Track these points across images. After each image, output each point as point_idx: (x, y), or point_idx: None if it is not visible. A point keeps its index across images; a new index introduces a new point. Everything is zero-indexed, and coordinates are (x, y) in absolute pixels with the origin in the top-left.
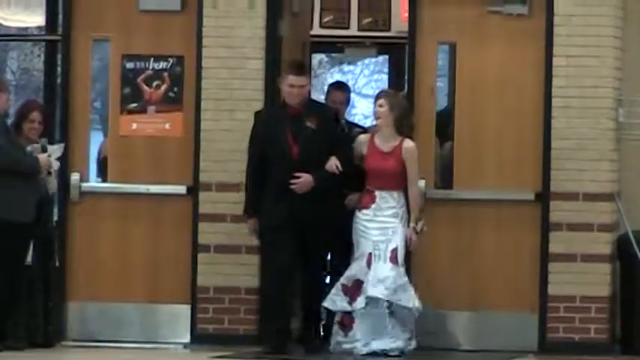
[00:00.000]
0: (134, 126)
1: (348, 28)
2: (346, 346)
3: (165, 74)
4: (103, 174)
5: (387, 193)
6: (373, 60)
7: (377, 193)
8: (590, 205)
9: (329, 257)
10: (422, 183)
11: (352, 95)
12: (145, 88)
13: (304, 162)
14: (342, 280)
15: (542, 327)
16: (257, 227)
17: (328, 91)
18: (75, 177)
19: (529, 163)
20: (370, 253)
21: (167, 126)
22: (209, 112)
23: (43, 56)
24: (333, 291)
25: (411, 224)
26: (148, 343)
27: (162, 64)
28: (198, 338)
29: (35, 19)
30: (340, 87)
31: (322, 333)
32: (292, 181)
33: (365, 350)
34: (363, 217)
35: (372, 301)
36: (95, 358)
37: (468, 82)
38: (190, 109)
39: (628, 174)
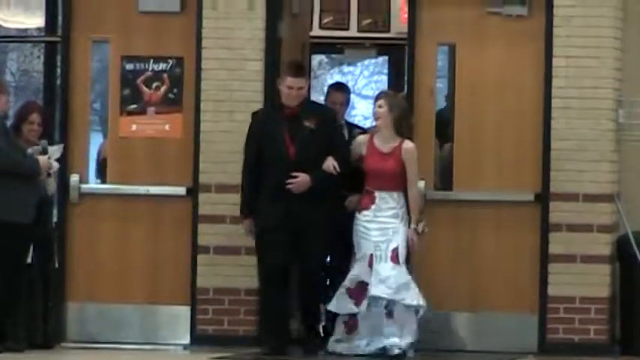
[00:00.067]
0: (134, 127)
1: (347, 29)
2: (347, 344)
3: (165, 75)
4: (102, 175)
5: (387, 194)
6: (373, 61)
7: (376, 193)
8: (589, 205)
9: (328, 259)
10: (421, 184)
11: (352, 96)
12: (145, 89)
13: (301, 162)
14: (346, 282)
15: (541, 328)
16: (253, 228)
17: (328, 91)
18: (74, 178)
19: (529, 164)
20: (371, 254)
21: (167, 127)
22: (208, 113)
23: (42, 58)
24: (338, 294)
25: (412, 225)
26: (148, 345)
27: (161, 66)
28: (198, 339)
29: (35, 20)
30: (340, 88)
31: (321, 334)
32: (289, 181)
33: (367, 350)
34: (363, 218)
35: (372, 300)
36: None
37: (468, 83)
38: (190, 111)
39: (628, 175)
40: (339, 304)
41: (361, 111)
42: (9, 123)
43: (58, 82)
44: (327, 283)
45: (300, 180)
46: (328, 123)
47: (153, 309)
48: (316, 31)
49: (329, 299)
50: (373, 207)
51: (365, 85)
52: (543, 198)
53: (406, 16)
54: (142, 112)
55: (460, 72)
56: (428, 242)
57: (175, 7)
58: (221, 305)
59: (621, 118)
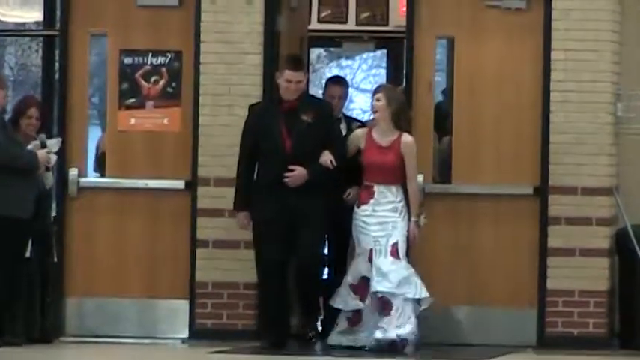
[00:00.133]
0: (132, 121)
1: (346, 22)
2: (352, 336)
3: (164, 69)
4: (101, 169)
5: (386, 188)
6: (371, 54)
7: (375, 187)
8: (588, 199)
9: (326, 251)
10: (420, 178)
11: (350, 90)
12: (143, 83)
13: (297, 156)
14: (349, 278)
15: (540, 321)
16: (247, 221)
17: (326, 85)
18: (73, 172)
19: (527, 158)
20: (371, 249)
21: (165, 121)
22: (207, 107)
23: (40, 52)
24: (342, 291)
25: (413, 219)
26: (146, 339)
27: (160, 60)
28: (197, 333)
29: (33, 14)
30: (338, 81)
31: (320, 327)
32: (285, 174)
33: (368, 342)
34: (362, 213)
35: (373, 295)
36: (93, 354)
37: (467, 77)
38: (188, 105)
39: (626, 168)
40: (344, 300)
41: (360, 104)
42: (7, 117)
43: (57, 76)
44: (327, 276)
45: (297, 174)
46: (325, 117)
47: (152, 303)
48: (314, 25)
49: (330, 294)
50: (372, 201)
51: (363, 78)
52: (542, 191)
53: (405, 9)
54: (140, 106)
55: (459, 65)
56: (426, 236)
57: (174, 0)
58: (220, 299)
59: (619, 111)
